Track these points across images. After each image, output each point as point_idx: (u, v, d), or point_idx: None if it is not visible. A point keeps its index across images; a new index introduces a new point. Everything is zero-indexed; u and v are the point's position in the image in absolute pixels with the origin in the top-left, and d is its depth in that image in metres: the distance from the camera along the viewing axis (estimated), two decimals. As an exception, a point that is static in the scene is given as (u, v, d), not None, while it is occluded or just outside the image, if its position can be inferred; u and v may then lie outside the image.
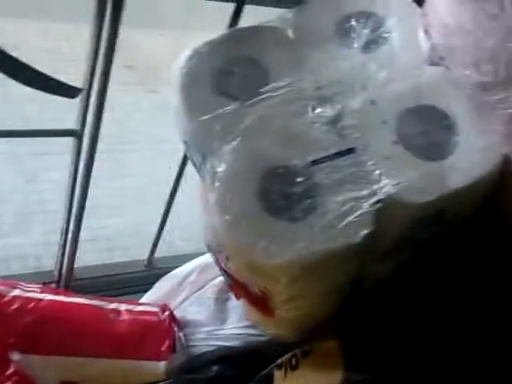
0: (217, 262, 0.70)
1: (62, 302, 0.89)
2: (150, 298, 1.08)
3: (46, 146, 1.51)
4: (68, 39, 2.32)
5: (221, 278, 1.03)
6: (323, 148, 0.60)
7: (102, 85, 0.74)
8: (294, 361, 0.65)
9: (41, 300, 0.86)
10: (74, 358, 0.84)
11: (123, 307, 0.94)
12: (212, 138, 0.63)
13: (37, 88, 0.68)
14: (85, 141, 0.80)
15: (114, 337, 0.89)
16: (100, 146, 0.88)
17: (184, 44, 0.71)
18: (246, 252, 0.55)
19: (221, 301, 1.00)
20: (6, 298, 0.82)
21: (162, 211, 1.14)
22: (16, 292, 0.84)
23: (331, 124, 0.62)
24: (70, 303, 0.89)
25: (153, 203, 1.24)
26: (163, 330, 0.94)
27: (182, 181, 1.08)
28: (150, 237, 1.17)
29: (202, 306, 1.01)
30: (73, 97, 0.72)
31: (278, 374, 0.67)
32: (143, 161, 1.79)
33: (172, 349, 0.93)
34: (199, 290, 1.05)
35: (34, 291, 0.87)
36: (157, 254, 1.20)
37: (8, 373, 0.77)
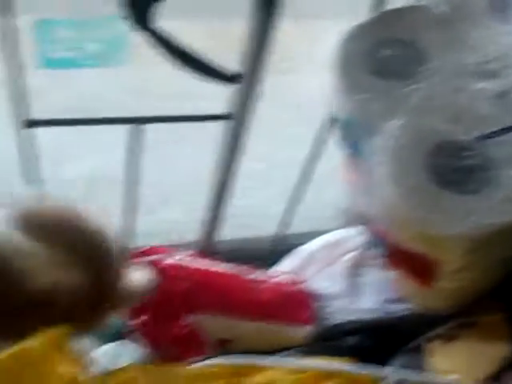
0: (373, 233, 0.69)
1: (213, 269, 0.93)
2: (278, 271, 1.10)
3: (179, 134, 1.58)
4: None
5: (352, 255, 1.03)
6: (492, 122, 0.58)
7: (259, 69, 0.75)
8: (453, 332, 0.64)
9: (196, 266, 0.91)
10: (227, 319, 0.88)
11: (264, 277, 0.96)
12: (374, 116, 0.62)
13: (201, 73, 0.71)
14: (235, 125, 0.82)
15: (259, 302, 0.91)
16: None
17: (309, 33, 0.70)
18: (420, 223, 0.55)
19: (353, 276, 1.00)
20: (169, 263, 0.87)
21: (288, 191, 1.15)
22: (175, 258, 0.88)
23: (497, 98, 0.60)
24: (220, 270, 0.93)
25: (279, 184, 1.26)
26: (302, 300, 0.96)
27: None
28: (279, 215, 1.19)
29: (334, 281, 1.01)
30: (232, 82, 0.73)
31: (434, 345, 0.66)
32: (268, 144, 1.82)
33: (310, 317, 0.94)
34: (330, 265, 1.05)
35: (188, 258, 0.92)
36: (285, 232, 1.22)
37: (181, 325, 0.84)
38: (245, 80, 0.75)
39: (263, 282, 0.96)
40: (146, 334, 0.89)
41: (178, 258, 0.92)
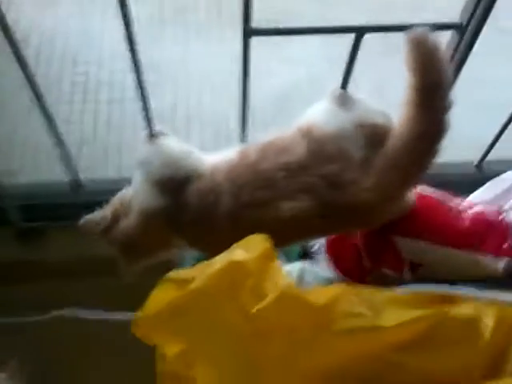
0: None
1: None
2: (477, 200, 0.97)
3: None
4: None
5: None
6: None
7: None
8: None
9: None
10: (421, 242, 0.83)
11: (465, 204, 0.87)
12: None
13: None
14: (465, 35, 0.69)
15: (457, 229, 0.84)
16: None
17: None
18: None
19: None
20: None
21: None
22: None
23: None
24: (422, 194, 0.87)
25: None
26: (503, 230, 0.86)
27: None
28: (486, 141, 1.03)
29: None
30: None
31: None
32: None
33: (508, 250, 0.83)
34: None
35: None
36: (488, 158, 1.07)
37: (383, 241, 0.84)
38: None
39: (464, 209, 0.87)
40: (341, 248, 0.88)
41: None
